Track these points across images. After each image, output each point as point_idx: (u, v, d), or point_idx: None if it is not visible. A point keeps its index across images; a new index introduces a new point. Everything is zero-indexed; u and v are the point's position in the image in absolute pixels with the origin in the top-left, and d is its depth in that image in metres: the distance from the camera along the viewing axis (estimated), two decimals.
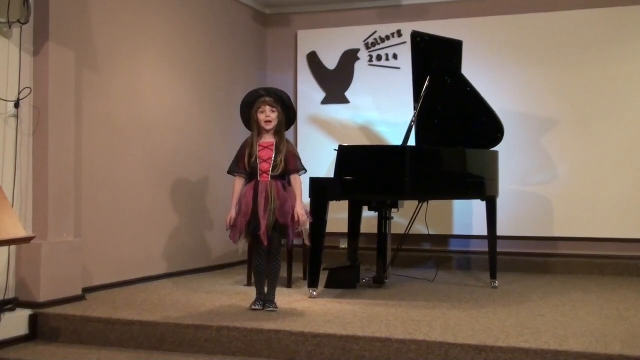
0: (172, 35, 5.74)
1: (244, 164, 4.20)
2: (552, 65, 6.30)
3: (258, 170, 4.16)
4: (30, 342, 3.98)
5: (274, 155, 4.15)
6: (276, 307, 4.18)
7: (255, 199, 4.08)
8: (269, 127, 4.18)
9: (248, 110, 4.27)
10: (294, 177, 4.20)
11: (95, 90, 4.87)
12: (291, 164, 4.19)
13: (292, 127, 7.08)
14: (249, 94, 4.31)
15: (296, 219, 4.10)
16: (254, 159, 4.16)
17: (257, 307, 4.17)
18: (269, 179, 4.13)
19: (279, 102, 4.22)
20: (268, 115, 4.16)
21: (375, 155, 4.82)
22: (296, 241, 5.30)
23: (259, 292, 4.24)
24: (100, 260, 4.90)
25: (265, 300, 4.20)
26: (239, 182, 4.24)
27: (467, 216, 6.46)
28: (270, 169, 4.13)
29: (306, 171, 4.31)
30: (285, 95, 4.28)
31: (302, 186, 4.22)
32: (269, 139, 4.21)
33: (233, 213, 4.15)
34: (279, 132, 4.22)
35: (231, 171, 4.28)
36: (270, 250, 4.16)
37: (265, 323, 3.79)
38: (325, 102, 6.99)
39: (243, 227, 4.10)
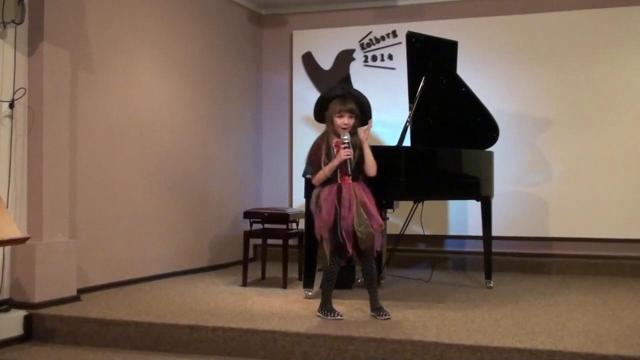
0: (167, 35, 5.73)
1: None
2: (548, 66, 6.31)
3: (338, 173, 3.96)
4: (25, 343, 3.97)
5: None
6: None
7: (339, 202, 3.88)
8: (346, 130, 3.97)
9: (323, 106, 4.10)
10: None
11: (90, 90, 4.87)
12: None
13: (288, 128, 7.24)
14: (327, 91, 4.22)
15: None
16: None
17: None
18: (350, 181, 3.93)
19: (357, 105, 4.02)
20: (346, 122, 3.97)
21: None
22: (291, 241, 5.34)
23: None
24: (95, 260, 4.89)
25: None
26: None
27: (462, 216, 6.46)
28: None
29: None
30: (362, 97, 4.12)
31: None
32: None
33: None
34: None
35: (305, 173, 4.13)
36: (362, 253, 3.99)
37: (260, 323, 3.79)
38: None
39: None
